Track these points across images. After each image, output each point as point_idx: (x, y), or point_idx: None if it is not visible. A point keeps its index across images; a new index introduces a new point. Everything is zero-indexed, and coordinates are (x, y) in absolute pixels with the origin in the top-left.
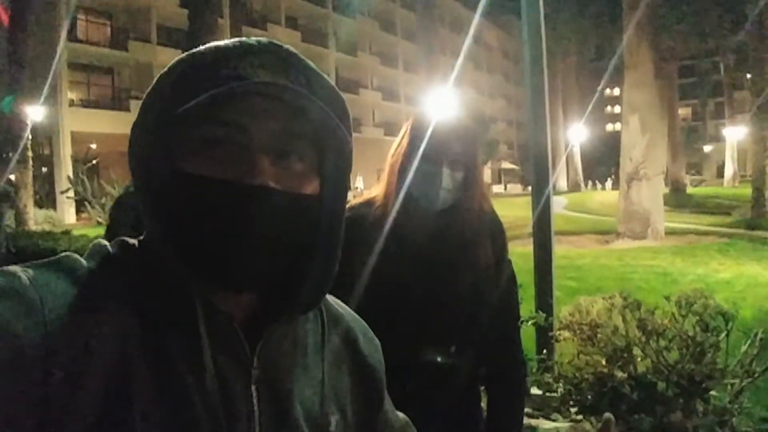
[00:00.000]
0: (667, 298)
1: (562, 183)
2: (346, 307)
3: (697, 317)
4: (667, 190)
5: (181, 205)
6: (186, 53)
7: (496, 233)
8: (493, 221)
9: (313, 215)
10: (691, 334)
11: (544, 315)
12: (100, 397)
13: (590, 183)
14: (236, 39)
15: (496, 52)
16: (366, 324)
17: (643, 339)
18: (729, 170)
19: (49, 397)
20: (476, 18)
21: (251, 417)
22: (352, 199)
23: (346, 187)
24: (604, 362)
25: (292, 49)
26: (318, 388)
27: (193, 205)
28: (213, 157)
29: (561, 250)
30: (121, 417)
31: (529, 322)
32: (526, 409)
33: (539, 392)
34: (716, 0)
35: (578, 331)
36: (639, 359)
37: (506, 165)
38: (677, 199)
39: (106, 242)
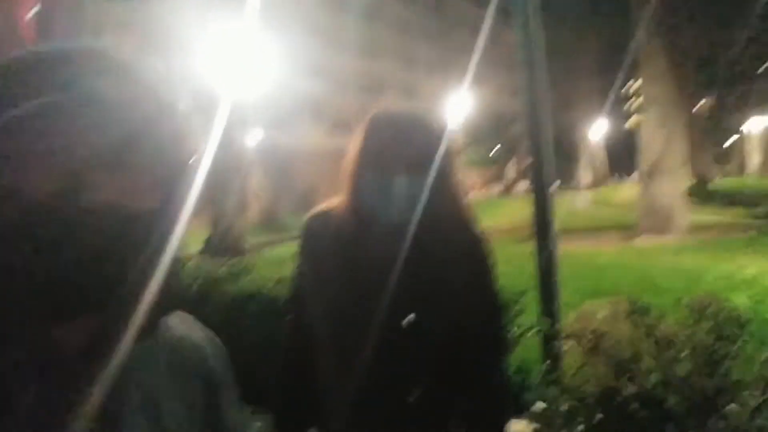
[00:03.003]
0: (678, 302)
1: (587, 178)
2: (190, 320)
3: (711, 323)
4: (691, 183)
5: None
6: (12, 55)
7: (475, 253)
8: (473, 238)
9: (148, 232)
10: (703, 342)
11: (549, 322)
12: None
13: (616, 176)
14: (67, 43)
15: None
16: (212, 336)
17: (652, 348)
18: (755, 161)
19: None
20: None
21: None
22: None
23: (185, 200)
24: (609, 375)
25: (125, 54)
26: (163, 419)
27: (15, 223)
28: (38, 170)
29: (580, 248)
30: None
31: (532, 331)
32: (531, 426)
33: (543, 406)
34: None
35: (582, 340)
36: (648, 371)
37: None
38: (701, 192)
39: None
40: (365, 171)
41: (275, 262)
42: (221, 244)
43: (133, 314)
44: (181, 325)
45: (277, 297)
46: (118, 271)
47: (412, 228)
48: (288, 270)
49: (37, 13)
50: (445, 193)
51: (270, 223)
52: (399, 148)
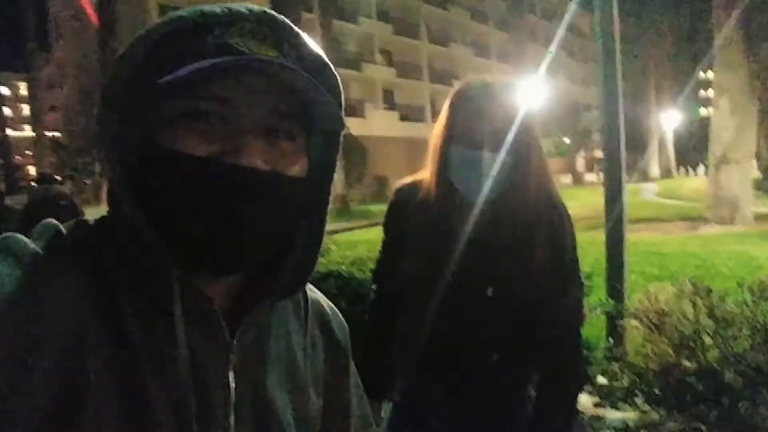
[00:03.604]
0: (740, 285)
1: (655, 170)
2: (315, 289)
3: None
4: (759, 175)
5: (159, 183)
6: (166, 17)
7: (557, 226)
8: (555, 212)
9: (299, 198)
10: (761, 321)
11: (613, 303)
12: (49, 398)
13: (683, 169)
14: (224, 4)
15: (590, 38)
16: (336, 307)
17: (713, 327)
18: None
19: None
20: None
21: (227, 402)
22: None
23: (333, 169)
24: (671, 351)
25: (284, 19)
26: (298, 373)
27: (173, 183)
28: (196, 132)
29: (647, 236)
30: (71, 417)
31: (598, 310)
32: (593, 399)
33: (605, 381)
34: None
35: (645, 319)
36: (708, 348)
37: (600, 154)
38: None
39: (56, 222)
40: (452, 144)
41: (349, 245)
42: None
43: (280, 276)
44: (309, 291)
45: (353, 276)
46: (269, 233)
47: (498, 200)
48: (361, 252)
49: None
50: (531, 164)
51: (342, 210)
52: (485, 122)
